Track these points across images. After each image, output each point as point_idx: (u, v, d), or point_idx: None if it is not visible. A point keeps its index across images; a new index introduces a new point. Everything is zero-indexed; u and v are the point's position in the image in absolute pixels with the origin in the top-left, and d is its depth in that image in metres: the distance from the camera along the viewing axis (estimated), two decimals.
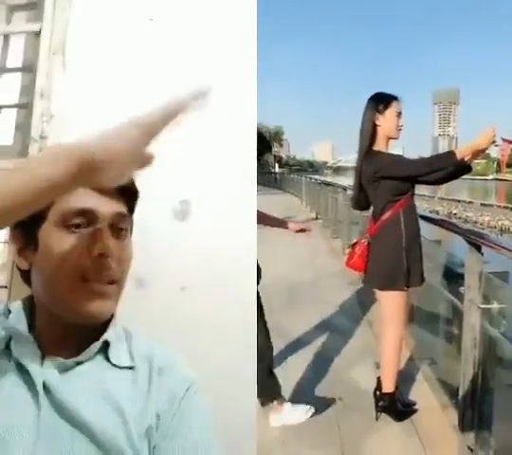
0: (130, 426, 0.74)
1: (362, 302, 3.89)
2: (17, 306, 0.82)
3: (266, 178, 25.05)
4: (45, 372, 0.73)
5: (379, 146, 2.11)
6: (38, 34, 1.48)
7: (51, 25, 1.46)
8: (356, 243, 2.25)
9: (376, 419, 2.20)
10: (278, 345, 3.04)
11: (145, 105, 1.38)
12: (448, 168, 2.03)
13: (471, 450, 1.81)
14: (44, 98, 1.45)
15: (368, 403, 2.29)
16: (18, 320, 0.79)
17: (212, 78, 1.41)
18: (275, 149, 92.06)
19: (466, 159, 1.99)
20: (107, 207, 0.77)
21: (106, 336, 0.79)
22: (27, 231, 0.78)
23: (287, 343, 3.12)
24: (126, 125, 0.62)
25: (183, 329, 1.19)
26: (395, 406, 2.20)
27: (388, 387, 2.19)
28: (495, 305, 1.82)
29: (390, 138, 2.14)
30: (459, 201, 26.55)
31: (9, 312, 0.81)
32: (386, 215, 2.09)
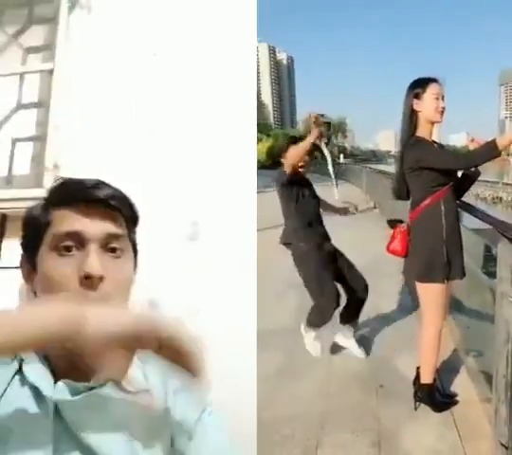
0: (139, 452, 0.70)
1: (413, 290, 3.71)
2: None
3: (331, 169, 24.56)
4: (57, 395, 0.69)
5: (423, 132, 1.95)
6: (51, 72, 1.50)
7: (63, 64, 1.48)
8: (395, 226, 2.08)
9: (415, 409, 2.08)
10: (325, 331, 2.98)
11: (149, 134, 1.35)
12: (488, 161, 1.85)
13: (506, 447, 1.67)
14: (57, 130, 1.47)
15: (408, 392, 2.18)
16: None
17: (214, 122, 1.39)
18: (339, 140, 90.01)
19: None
20: (96, 228, 0.75)
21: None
22: (29, 256, 0.78)
23: (332, 328, 3.04)
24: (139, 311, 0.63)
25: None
26: (434, 397, 2.07)
27: (426, 378, 2.07)
28: None
29: (433, 123, 1.96)
30: None
31: None
32: (426, 201, 1.93)
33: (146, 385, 0.77)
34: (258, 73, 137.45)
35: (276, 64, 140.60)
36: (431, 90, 1.91)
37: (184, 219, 1.31)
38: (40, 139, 1.55)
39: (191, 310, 1.23)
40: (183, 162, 1.37)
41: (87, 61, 1.46)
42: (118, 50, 1.42)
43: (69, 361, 0.72)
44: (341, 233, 6.60)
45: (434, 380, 2.08)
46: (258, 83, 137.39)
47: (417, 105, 1.93)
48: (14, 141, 1.61)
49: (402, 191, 2.09)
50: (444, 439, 1.88)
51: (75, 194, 0.76)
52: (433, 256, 1.93)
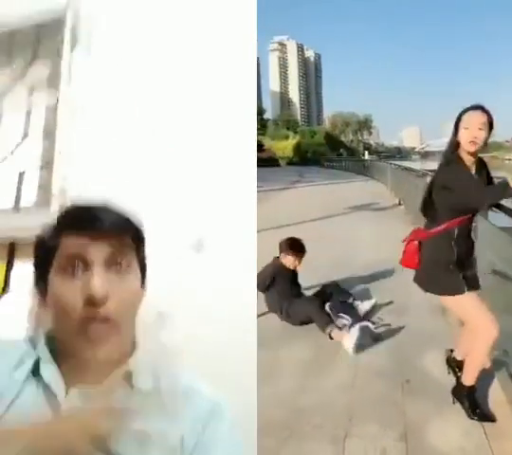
0: (150, 452, 0.72)
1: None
2: (41, 339, 0.82)
3: (356, 166, 24.32)
4: (70, 399, 0.73)
5: (462, 155, 1.90)
6: (55, 106, 1.60)
7: (67, 95, 1.57)
8: (409, 241, 2.03)
9: (454, 402, 2.04)
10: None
11: (154, 157, 1.37)
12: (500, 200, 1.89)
13: None
14: (62, 157, 1.53)
15: (434, 388, 2.17)
16: (43, 351, 0.79)
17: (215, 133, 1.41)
18: (365, 137, 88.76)
19: None
20: (100, 249, 0.77)
21: (127, 366, 0.78)
22: (40, 279, 0.80)
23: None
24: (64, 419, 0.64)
25: (206, 359, 1.16)
26: (471, 400, 2.00)
27: (468, 379, 2.00)
28: None
29: (472, 153, 1.90)
30: None
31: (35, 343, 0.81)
32: (442, 227, 1.89)
33: (156, 386, 0.78)
34: (286, 70, 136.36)
35: (303, 62, 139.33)
36: (463, 122, 1.88)
37: (189, 231, 1.35)
38: (46, 168, 1.61)
39: (199, 321, 1.26)
40: (183, 179, 1.42)
41: (89, 92, 1.54)
42: (120, 80, 1.50)
43: (79, 364, 0.76)
44: (366, 230, 6.61)
45: (475, 384, 2.01)
46: (286, 81, 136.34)
47: (457, 133, 1.91)
48: (22, 172, 1.67)
49: (425, 208, 2.03)
50: (470, 436, 1.87)
51: (81, 219, 0.79)
52: (443, 272, 1.92)
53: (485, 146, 1.90)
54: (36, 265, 0.82)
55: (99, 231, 0.78)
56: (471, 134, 1.85)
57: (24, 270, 1.60)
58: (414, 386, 2.26)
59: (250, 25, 1.41)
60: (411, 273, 3.02)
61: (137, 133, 1.44)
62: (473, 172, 1.93)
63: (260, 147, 55.76)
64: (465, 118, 1.89)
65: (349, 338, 2.64)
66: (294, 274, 3.31)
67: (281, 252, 3.25)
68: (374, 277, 4.11)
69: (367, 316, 3.16)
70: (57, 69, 1.64)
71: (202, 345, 1.22)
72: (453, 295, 1.91)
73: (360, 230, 6.53)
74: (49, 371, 0.76)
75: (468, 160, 1.91)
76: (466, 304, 1.93)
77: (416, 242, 2.00)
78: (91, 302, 0.73)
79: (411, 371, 2.41)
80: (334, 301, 3.14)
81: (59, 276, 0.77)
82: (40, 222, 1.43)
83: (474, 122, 1.86)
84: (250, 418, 1.25)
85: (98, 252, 0.77)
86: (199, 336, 1.24)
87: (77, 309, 0.74)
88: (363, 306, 3.24)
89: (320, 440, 1.87)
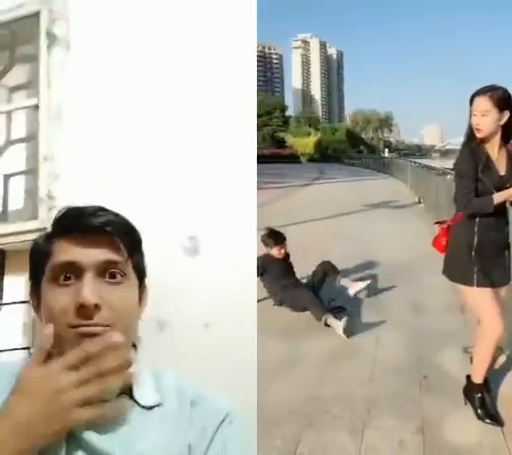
0: None
1: (456, 287, 3.63)
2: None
3: (376, 163, 24.05)
4: None
5: (478, 142, 1.84)
6: (37, 107, 1.51)
7: (47, 97, 1.49)
8: (442, 222, 2.06)
9: (465, 403, 2.03)
10: (372, 323, 3.00)
11: (142, 154, 1.29)
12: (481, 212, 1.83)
13: None
14: (47, 161, 1.46)
15: (451, 384, 2.17)
16: None
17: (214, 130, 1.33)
18: (385, 134, 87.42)
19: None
20: (92, 256, 0.73)
21: (126, 379, 0.70)
22: (35, 287, 0.77)
23: (380, 320, 3.05)
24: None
25: (208, 366, 1.09)
26: (480, 398, 1.97)
27: (476, 377, 2.00)
28: None
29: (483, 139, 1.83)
30: None
31: None
32: (459, 214, 1.90)
33: (159, 398, 0.75)
34: (308, 68, 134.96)
35: (326, 59, 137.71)
36: (472, 108, 1.81)
37: (183, 234, 1.27)
38: (32, 172, 1.52)
39: (199, 325, 1.20)
40: (178, 179, 1.33)
41: (72, 92, 1.45)
42: (103, 77, 1.41)
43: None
44: (386, 227, 6.56)
45: (485, 382, 2.00)
46: (308, 78, 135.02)
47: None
48: (7, 177, 1.58)
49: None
50: (487, 433, 1.87)
51: (72, 224, 0.75)
52: (462, 261, 1.90)
53: (506, 131, 1.80)
54: (30, 274, 0.78)
55: (89, 236, 0.73)
56: (475, 120, 1.79)
57: (15, 280, 1.47)
58: (432, 382, 2.26)
59: (250, 22, 1.33)
60: (429, 270, 3.00)
61: (126, 133, 1.36)
62: (494, 158, 1.84)
63: (282, 143, 55.50)
64: (473, 102, 1.81)
65: (340, 326, 2.76)
66: (287, 264, 3.39)
67: (266, 246, 3.35)
68: (392, 274, 4.10)
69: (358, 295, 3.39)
70: (36, 71, 1.56)
71: (202, 351, 1.16)
72: (463, 284, 1.90)
73: (379, 228, 6.49)
74: None
75: (488, 147, 1.83)
76: (476, 297, 1.91)
77: (446, 225, 1.99)
78: (83, 312, 0.69)
79: (429, 367, 2.41)
80: (325, 287, 3.34)
81: (51, 285, 0.73)
82: (28, 228, 1.36)
83: (478, 108, 1.78)
84: (250, 426, 1.20)
85: (89, 259, 0.72)
86: (199, 343, 1.19)
87: (69, 320, 0.70)
88: (354, 287, 3.37)
89: (338, 430, 1.90)
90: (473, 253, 1.87)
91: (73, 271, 0.72)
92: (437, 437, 1.85)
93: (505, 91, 1.78)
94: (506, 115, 1.77)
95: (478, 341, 1.98)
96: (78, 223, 0.74)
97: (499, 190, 1.80)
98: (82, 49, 1.48)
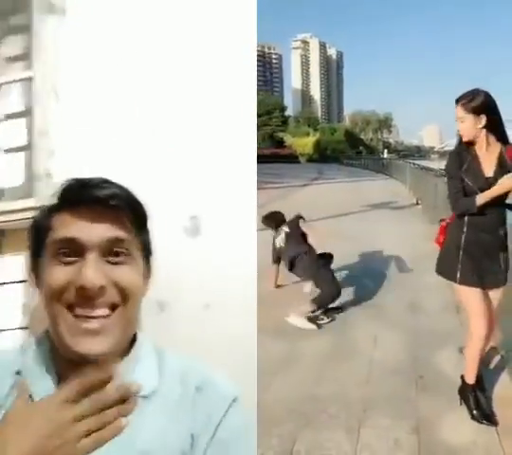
0: None
1: (452, 286, 3.65)
2: (35, 342, 0.73)
3: (375, 164, 24.09)
4: None
5: (470, 145, 1.89)
6: (31, 80, 1.44)
7: (42, 69, 1.41)
8: (443, 220, 2.14)
9: (461, 403, 2.04)
10: (369, 323, 3.02)
11: (145, 131, 1.21)
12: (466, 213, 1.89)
13: None
14: (43, 136, 1.38)
15: (447, 384, 2.18)
16: (35, 356, 0.71)
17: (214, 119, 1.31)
18: (384, 135, 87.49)
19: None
20: (95, 233, 0.67)
21: (127, 364, 0.69)
22: (34, 263, 0.72)
23: (376, 320, 3.07)
24: None
25: (209, 348, 1.06)
26: (474, 398, 1.99)
27: (468, 377, 2.02)
28: None
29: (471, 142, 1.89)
30: None
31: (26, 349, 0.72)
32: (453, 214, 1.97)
33: (159, 385, 0.71)
34: (308, 68, 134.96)
35: (325, 60, 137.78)
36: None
37: (184, 214, 1.24)
38: (29, 148, 1.45)
39: (199, 307, 1.18)
40: (183, 161, 1.30)
41: (68, 64, 1.38)
42: (100, 50, 1.34)
43: (75, 371, 0.61)
44: (384, 228, 6.56)
45: (477, 382, 2.02)
46: (307, 78, 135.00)
47: None
48: (2, 153, 1.52)
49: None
50: (481, 432, 1.88)
51: (74, 196, 0.69)
52: (449, 257, 1.97)
53: (493, 133, 1.83)
54: (30, 249, 0.73)
55: (93, 210, 0.68)
56: (457, 126, 1.87)
57: (12, 260, 1.44)
58: (428, 382, 2.28)
59: (250, 20, 1.33)
60: (426, 271, 3.02)
61: (125, 109, 1.31)
62: (482, 159, 1.86)
63: (281, 143, 55.52)
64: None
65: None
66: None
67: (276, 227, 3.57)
68: (390, 274, 4.12)
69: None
70: (31, 42, 1.47)
71: (202, 336, 1.15)
72: (448, 279, 1.97)
73: (378, 229, 6.51)
74: (38, 383, 0.67)
75: (476, 149, 1.87)
76: (464, 296, 1.95)
77: (445, 223, 2.07)
78: (85, 294, 0.65)
79: (425, 367, 2.43)
80: None
81: (51, 261, 0.68)
82: (24, 205, 1.28)
83: (456, 116, 1.86)
84: (250, 412, 1.20)
85: (92, 236, 0.67)
86: (200, 326, 1.18)
87: (68, 301, 0.66)
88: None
89: (335, 429, 1.91)
90: (461, 252, 1.92)
91: (75, 248, 0.67)
92: (432, 437, 1.86)
93: (479, 96, 1.81)
94: (483, 118, 1.81)
95: (467, 341, 2.01)
96: (80, 195, 0.68)
97: (485, 191, 1.83)
98: (80, 19, 1.39)
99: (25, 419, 0.55)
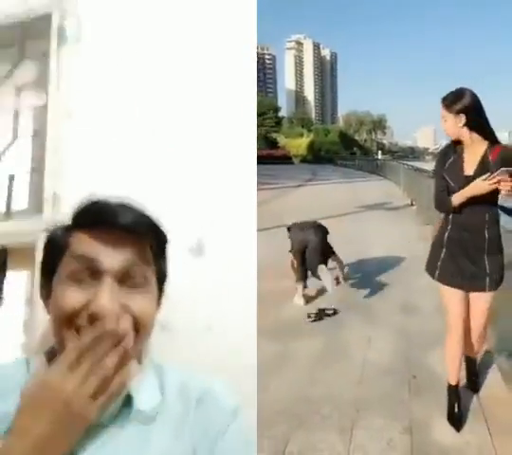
0: None
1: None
2: (38, 360, 0.71)
3: (369, 165, 24.16)
4: None
5: (460, 145, 1.89)
6: (45, 106, 1.49)
7: (56, 96, 1.48)
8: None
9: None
10: (362, 324, 3.02)
11: (148, 155, 1.26)
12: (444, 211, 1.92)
13: None
14: (53, 160, 1.43)
15: (440, 385, 2.18)
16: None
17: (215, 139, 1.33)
18: (378, 136, 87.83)
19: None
20: (114, 258, 0.66)
21: (126, 391, 0.68)
22: (46, 281, 0.71)
23: (369, 321, 3.07)
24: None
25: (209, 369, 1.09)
26: (454, 399, 1.98)
27: (450, 378, 2.01)
28: None
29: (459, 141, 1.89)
30: None
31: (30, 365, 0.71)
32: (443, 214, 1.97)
33: (160, 397, 0.71)
34: (302, 68, 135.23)
35: (319, 60, 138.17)
36: None
37: (188, 235, 1.25)
38: (37, 171, 1.50)
39: (202, 328, 1.20)
40: (182, 180, 1.33)
41: (80, 92, 1.45)
42: (112, 79, 1.41)
43: None
44: (378, 229, 6.58)
45: (456, 385, 2.00)
46: (301, 79, 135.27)
47: None
48: (12, 176, 1.56)
49: None
50: (474, 433, 1.89)
51: (95, 218, 0.68)
52: (433, 254, 1.98)
53: (478, 132, 1.82)
54: (43, 266, 0.72)
55: (114, 233, 0.66)
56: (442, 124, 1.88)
57: (17, 279, 1.45)
58: (421, 383, 2.29)
59: (250, 20, 1.34)
60: (419, 272, 3.04)
61: (132, 133, 1.35)
62: (466, 158, 1.85)
63: (275, 144, 55.54)
64: None
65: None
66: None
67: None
68: (384, 275, 4.13)
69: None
70: (45, 70, 1.54)
71: (203, 354, 1.16)
72: (430, 276, 1.97)
73: (372, 229, 6.53)
74: None
75: (463, 147, 1.87)
76: (443, 296, 1.94)
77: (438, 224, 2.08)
78: (97, 320, 0.63)
79: (418, 368, 2.44)
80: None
81: (65, 281, 0.66)
82: (31, 227, 1.31)
83: (440, 115, 1.86)
84: (250, 429, 1.17)
85: (111, 260, 0.65)
86: (200, 345, 1.19)
87: (79, 324, 0.64)
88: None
89: (328, 430, 1.91)
90: (443, 249, 1.92)
91: (91, 270, 0.65)
92: (425, 437, 1.87)
93: (461, 96, 1.80)
94: (462, 117, 1.79)
95: (446, 342, 2.00)
96: (101, 218, 0.67)
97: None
98: (92, 50, 1.47)
99: (34, 400, 0.58)
